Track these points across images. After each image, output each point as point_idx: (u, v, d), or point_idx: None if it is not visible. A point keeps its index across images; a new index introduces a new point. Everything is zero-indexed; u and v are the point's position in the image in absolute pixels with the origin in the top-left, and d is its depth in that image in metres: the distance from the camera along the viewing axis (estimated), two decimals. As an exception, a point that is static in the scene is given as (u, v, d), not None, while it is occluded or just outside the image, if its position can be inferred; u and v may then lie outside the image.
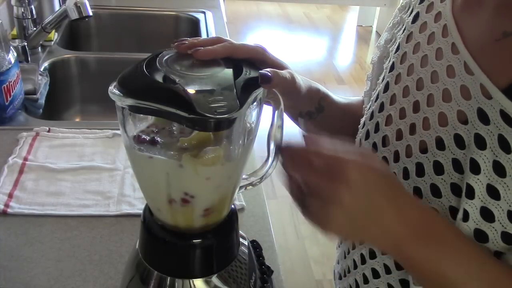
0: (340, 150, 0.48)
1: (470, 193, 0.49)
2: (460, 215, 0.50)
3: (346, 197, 0.46)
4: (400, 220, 0.49)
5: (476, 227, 0.49)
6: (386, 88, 0.63)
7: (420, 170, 0.55)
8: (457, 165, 0.51)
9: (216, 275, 0.58)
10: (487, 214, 0.48)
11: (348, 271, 0.69)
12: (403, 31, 0.64)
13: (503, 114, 0.46)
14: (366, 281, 0.64)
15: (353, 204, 0.47)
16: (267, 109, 0.58)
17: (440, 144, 0.53)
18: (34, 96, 1.16)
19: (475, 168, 0.48)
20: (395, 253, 0.51)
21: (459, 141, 0.51)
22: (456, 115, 0.51)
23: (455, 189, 0.51)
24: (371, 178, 0.48)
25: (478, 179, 0.48)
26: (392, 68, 0.63)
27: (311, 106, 0.72)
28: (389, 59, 0.66)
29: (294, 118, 0.77)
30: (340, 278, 0.72)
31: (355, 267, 0.66)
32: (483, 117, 0.48)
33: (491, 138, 0.47)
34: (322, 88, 0.71)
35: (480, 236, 0.49)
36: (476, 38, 0.52)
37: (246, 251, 0.63)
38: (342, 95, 0.79)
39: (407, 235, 0.49)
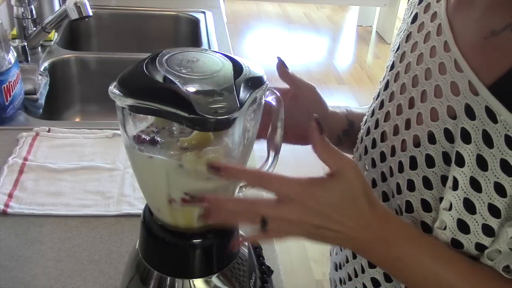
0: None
1: (455, 185, 0.50)
2: (444, 204, 0.51)
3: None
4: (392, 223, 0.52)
5: (458, 217, 0.50)
6: (386, 86, 0.65)
7: (413, 163, 0.56)
8: (446, 158, 0.53)
9: (216, 275, 0.58)
10: (469, 206, 0.50)
11: (349, 279, 0.69)
12: (403, 31, 0.65)
13: (488, 110, 0.48)
14: None
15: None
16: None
17: (431, 138, 0.54)
18: (34, 96, 1.17)
19: (460, 161, 0.50)
20: (384, 257, 0.53)
21: (448, 135, 0.52)
22: (446, 110, 0.53)
23: (445, 181, 0.53)
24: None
25: (462, 171, 0.50)
26: (392, 67, 0.65)
27: (343, 124, 0.73)
28: (390, 58, 0.67)
29: (336, 144, 0.76)
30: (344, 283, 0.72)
31: (356, 275, 0.67)
32: (470, 113, 0.49)
33: (476, 133, 0.49)
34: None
35: (463, 226, 0.50)
36: (467, 37, 0.53)
37: (246, 251, 0.63)
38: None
39: (397, 237, 0.51)
